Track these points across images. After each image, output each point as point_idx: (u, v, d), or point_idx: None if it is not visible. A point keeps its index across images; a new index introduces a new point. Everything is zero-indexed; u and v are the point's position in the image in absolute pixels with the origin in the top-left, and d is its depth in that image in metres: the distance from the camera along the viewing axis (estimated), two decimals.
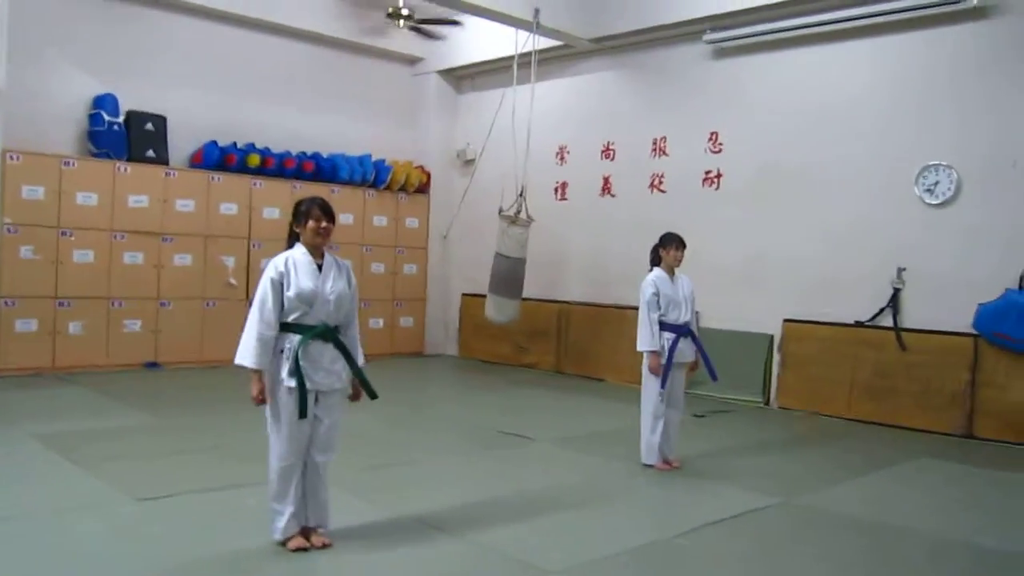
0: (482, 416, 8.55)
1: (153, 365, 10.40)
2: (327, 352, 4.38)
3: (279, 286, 4.30)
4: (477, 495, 5.59)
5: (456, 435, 7.66)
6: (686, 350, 6.49)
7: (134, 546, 4.41)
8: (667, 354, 6.35)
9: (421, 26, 10.92)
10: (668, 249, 6.48)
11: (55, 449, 6.22)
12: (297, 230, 4.45)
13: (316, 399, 4.36)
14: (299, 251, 4.42)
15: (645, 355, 6.41)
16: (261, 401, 4.28)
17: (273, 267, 4.34)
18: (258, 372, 4.26)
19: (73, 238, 9.81)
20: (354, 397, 4.56)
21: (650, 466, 6.43)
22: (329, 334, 4.39)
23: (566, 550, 4.59)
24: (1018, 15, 8.08)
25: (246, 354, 4.26)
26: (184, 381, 9.68)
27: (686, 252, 6.55)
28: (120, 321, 10.20)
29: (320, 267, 4.41)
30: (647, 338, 6.37)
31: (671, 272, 6.50)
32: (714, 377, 6.74)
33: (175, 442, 6.77)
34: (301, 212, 4.43)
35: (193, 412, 8.00)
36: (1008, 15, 8.13)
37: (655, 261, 6.56)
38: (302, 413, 4.25)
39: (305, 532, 4.43)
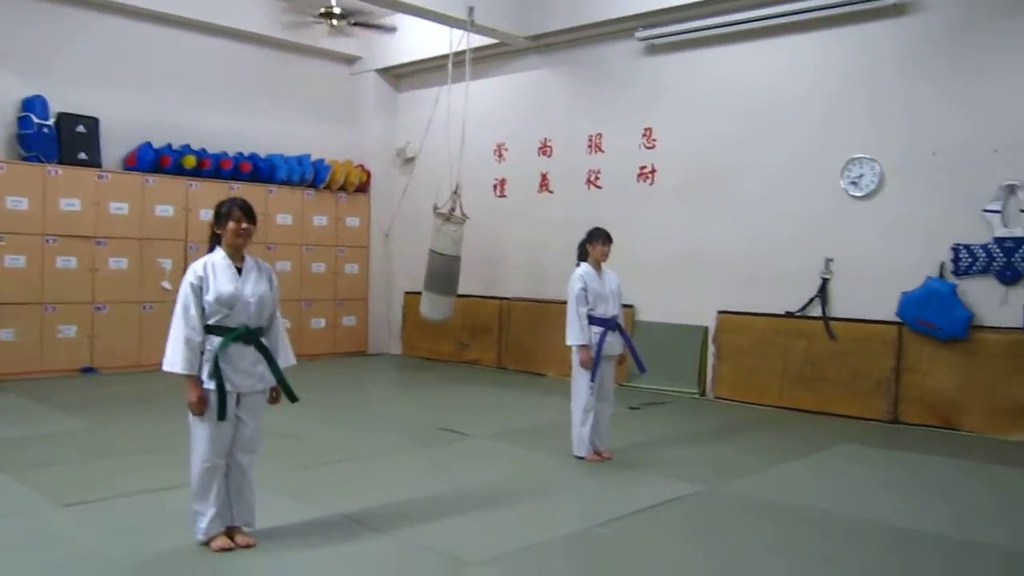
0: (422, 414, 8.60)
1: (89, 370, 10.27)
2: (248, 354, 4.40)
3: (199, 291, 4.30)
4: (410, 492, 5.63)
5: (394, 433, 7.70)
6: (614, 343, 6.62)
7: (55, 552, 4.39)
8: (596, 348, 6.46)
9: (359, 25, 10.90)
10: (595, 244, 6.59)
11: None
12: (218, 232, 4.46)
13: (237, 401, 4.39)
14: (219, 255, 4.44)
15: (574, 349, 6.51)
16: (201, 407, 4.27)
17: (192, 272, 4.35)
18: (191, 377, 4.26)
19: (3, 243, 9.65)
20: (273, 400, 4.58)
21: (581, 458, 6.53)
22: (250, 336, 4.41)
23: (492, 542, 4.67)
24: (933, 11, 8.33)
25: (175, 360, 4.27)
26: (121, 386, 9.57)
27: (618, 246, 6.67)
28: (54, 326, 10.05)
29: (240, 270, 4.42)
30: (576, 332, 6.47)
31: (598, 267, 6.61)
32: (642, 369, 6.89)
33: (107, 447, 6.72)
34: (222, 214, 4.44)
35: (128, 417, 7.92)
36: (924, 11, 8.38)
37: (582, 256, 6.67)
38: (221, 415, 4.27)
39: (230, 532, 4.44)
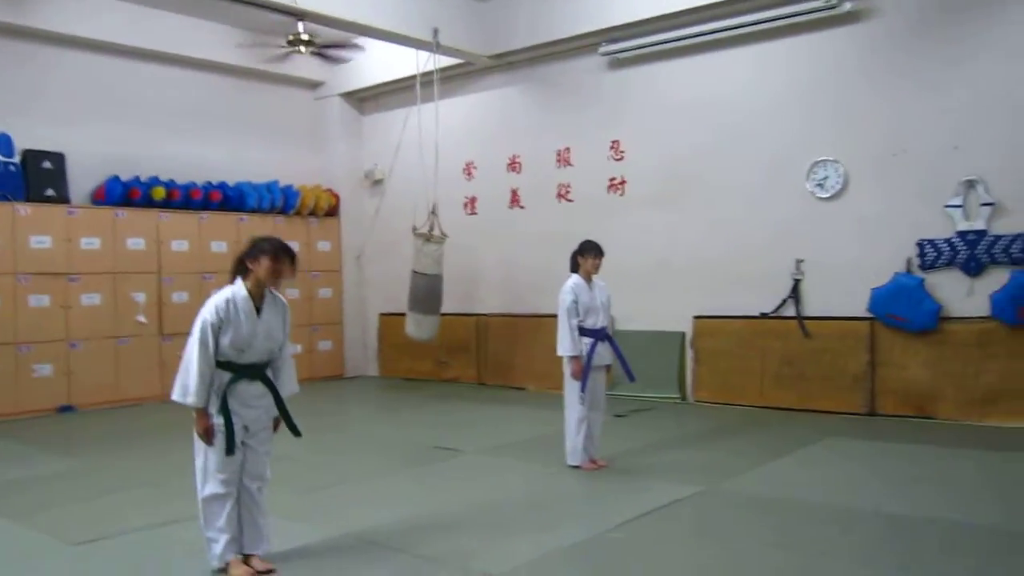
0: (409, 433, 8.67)
1: (67, 408, 10.16)
2: (254, 388, 4.43)
3: (217, 330, 4.29)
4: (416, 510, 5.71)
5: (385, 453, 7.74)
6: (604, 353, 6.75)
7: None
8: (586, 358, 6.59)
9: (324, 51, 10.95)
10: (587, 257, 6.72)
11: None
12: (250, 265, 4.39)
13: (246, 428, 4.43)
14: (241, 291, 4.38)
15: (566, 360, 6.64)
16: (211, 437, 4.29)
17: (214, 310, 4.30)
18: (201, 409, 4.28)
19: None
20: (273, 428, 4.62)
21: (576, 467, 6.65)
22: (257, 372, 4.44)
23: (510, 553, 4.76)
24: (888, 16, 8.66)
25: (188, 392, 4.26)
26: (102, 422, 9.50)
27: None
28: (29, 366, 9.94)
29: (259, 310, 4.41)
30: (568, 344, 6.60)
31: (588, 279, 6.75)
32: (631, 378, 7.03)
33: (104, 484, 6.68)
34: (263, 249, 4.37)
35: (116, 452, 7.88)
36: (879, 16, 8.70)
37: (574, 268, 6.80)
38: (230, 450, 4.30)
39: (246, 559, 4.48)
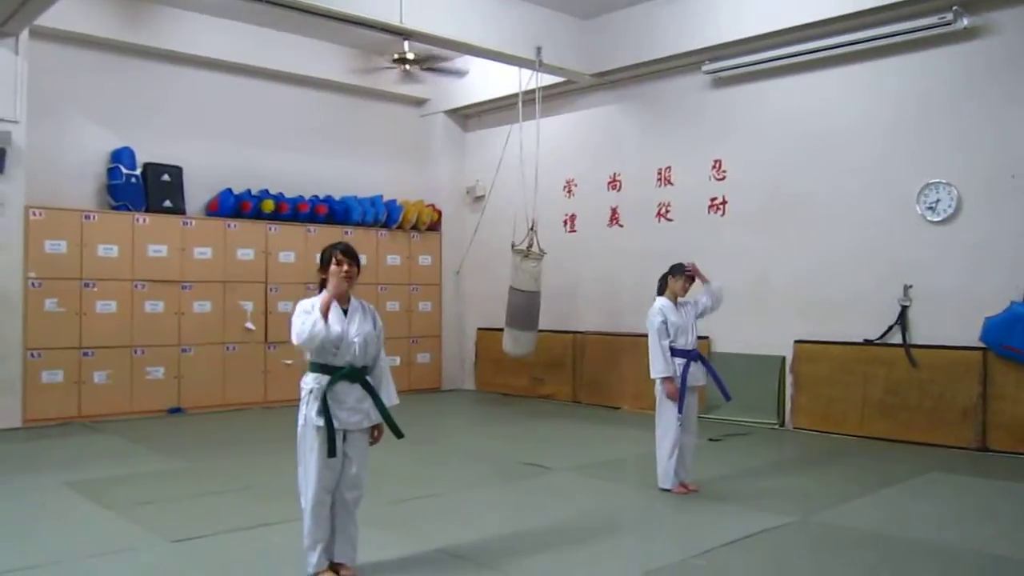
0: (501, 448, 8.70)
1: (177, 410, 10.60)
2: (354, 392, 4.54)
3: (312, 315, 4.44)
4: (501, 525, 5.74)
5: (477, 467, 7.80)
6: (697, 373, 6.67)
7: None
8: (680, 379, 6.52)
9: (437, 65, 11.22)
10: (677, 279, 6.69)
11: (87, 495, 6.40)
12: (324, 276, 4.62)
13: (344, 437, 4.52)
14: (324, 296, 4.56)
15: (659, 382, 6.57)
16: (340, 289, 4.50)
17: (302, 305, 4.52)
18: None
19: (96, 289, 10.07)
20: (373, 440, 4.69)
21: (667, 490, 6.55)
22: (356, 375, 4.56)
23: (589, 574, 4.72)
24: (1004, 35, 8.30)
25: (300, 336, 4.38)
26: (208, 425, 9.87)
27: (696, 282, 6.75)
28: (143, 368, 10.42)
29: (346, 311, 4.58)
30: (661, 365, 6.52)
31: (675, 301, 6.67)
32: (727, 397, 6.93)
33: (204, 484, 6.95)
34: (326, 258, 4.60)
35: (219, 454, 8.18)
36: (996, 35, 8.34)
37: (662, 289, 6.75)
38: (331, 452, 4.40)
39: (334, 568, 4.57)
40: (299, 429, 4.50)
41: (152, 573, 4.78)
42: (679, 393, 6.49)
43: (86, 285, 10.01)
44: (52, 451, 8.31)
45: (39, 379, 9.68)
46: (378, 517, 5.70)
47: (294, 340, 4.45)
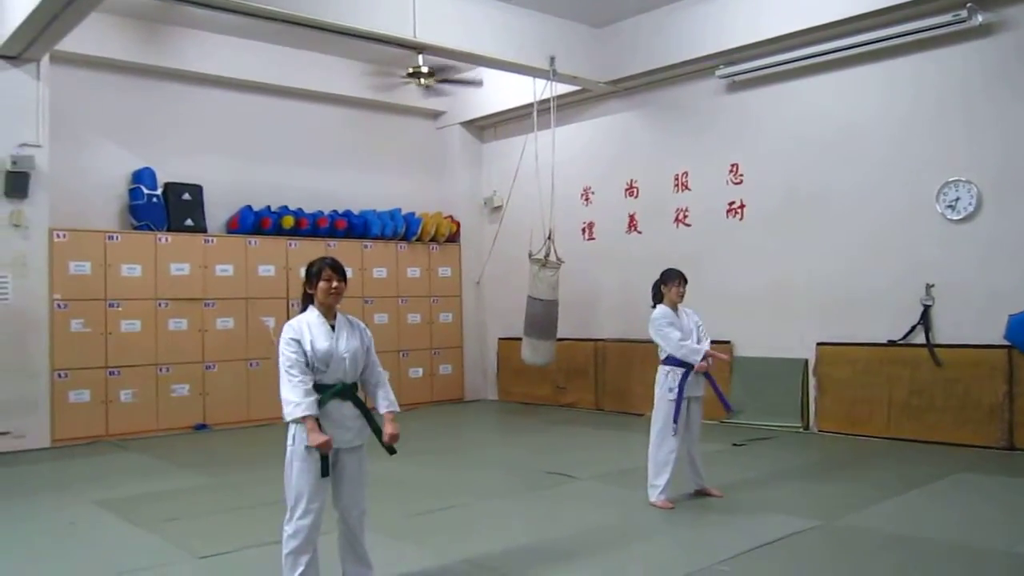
0: (525, 457, 8.70)
1: (202, 427, 10.68)
2: (345, 409, 4.47)
3: (299, 344, 4.35)
4: (526, 535, 5.74)
5: (500, 477, 7.82)
6: (696, 384, 6.54)
7: None
8: (678, 390, 6.42)
9: (451, 77, 11.31)
10: (670, 286, 6.55)
11: (116, 513, 6.48)
12: (310, 291, 4.52)
13: (338, 455, 4.45)
14: (312, 314, 4.49)
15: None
16: (327, 443, 4.29)
17: (290, 329, 4.41)
18: (313, 419, 4.28)
19: (120, 309, 10.19)
20: (390, 444, 4.54)
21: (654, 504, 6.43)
22: (347, 392, 4.49)
23: None
24: (1020, 30, 8.25)
25: (297, 407, 4.27)
26: (233, 441, 9.95)
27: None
28: (168, 386, 10.52)
29: (333, 327, 4.49)
30: (691, 351, 6.39)
31: (674, 308, 6.60)
32: (728, 408, 6.80)
33: (230, 500, 7.00)
34: (312, 274, 4.51)
35: (245, 470, 8.24)
36: (1011, 31, 8.29)
37: (657, 299, 6.66)
38: (324, 471, 4.35)
39: None
40: (288, 450, 4.39)
41: None
42: (675, 403, 6.38)
43: (111, 305, 10.13)
44: (81, 470, 8.41)
45: (66, 399, 9.79)
46: (403, 528, 5.74)
47: (283, 405, 4.35)
